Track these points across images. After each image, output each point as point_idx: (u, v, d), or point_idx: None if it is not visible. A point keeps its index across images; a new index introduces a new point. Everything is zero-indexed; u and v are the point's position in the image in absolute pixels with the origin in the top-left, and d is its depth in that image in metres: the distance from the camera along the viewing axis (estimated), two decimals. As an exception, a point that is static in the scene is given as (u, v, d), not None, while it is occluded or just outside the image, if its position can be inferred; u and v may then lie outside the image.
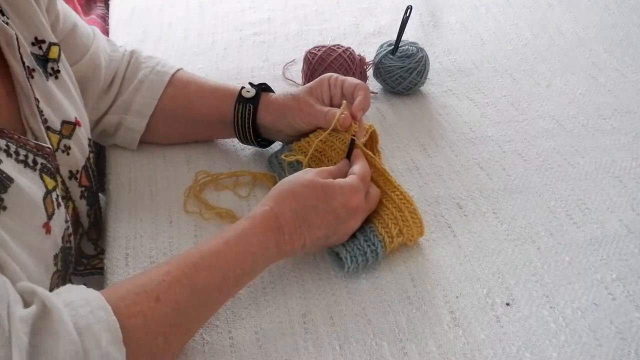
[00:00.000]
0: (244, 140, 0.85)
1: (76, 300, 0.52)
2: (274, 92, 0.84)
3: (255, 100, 0.81)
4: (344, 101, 0.77)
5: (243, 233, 0.62)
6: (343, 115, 0.75)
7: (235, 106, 0.82)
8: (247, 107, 0.81)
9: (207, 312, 0.61)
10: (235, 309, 0.67)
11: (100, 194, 0.85)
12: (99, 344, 0.50)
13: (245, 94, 0.82)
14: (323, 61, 0.96)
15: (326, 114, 0.77)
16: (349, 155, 0.73)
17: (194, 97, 0.85)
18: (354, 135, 0.74)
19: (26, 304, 0.50)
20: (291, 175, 0.68)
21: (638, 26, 1.18)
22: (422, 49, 0.97)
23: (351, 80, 0.79)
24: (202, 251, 0.60)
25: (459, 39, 1.17)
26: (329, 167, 0.72)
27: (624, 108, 0.96)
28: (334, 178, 0.68)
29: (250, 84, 0.84)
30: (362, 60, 0.98)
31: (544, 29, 1.19)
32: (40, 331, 0.48)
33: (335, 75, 0.80)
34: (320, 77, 0.81)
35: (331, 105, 0.80)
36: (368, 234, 0.69)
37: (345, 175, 0.70)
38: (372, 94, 1.01)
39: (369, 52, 1.05)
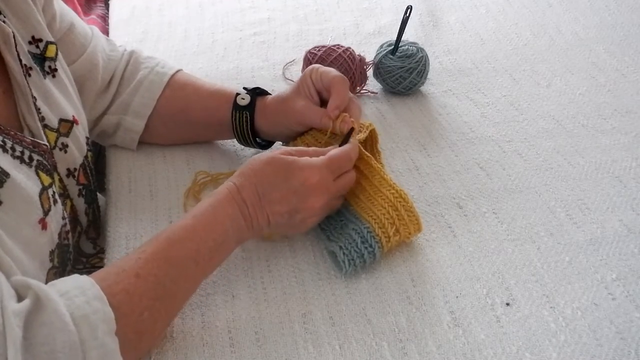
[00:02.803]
0: (245, 143, 0.85)
1: (71, 290, 0.52)
2: (269, 93, 0.83)
3: (250, 107, 0.81)
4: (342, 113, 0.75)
5: (209, 206, 0.64)
6: (343, 122, 0.74)
7: (232, 113, 0.82)
8: (244, 115, 0.81)
9: (187, 286, 0.62)
10: (235, 309, 0.67)
11: (99, 194, 0.85)
12: (95, 335, 0.50)
13: (240, 102, 0.81)
14: (323, 61, 0.96)
15: (321, 119, 0.76)
16: (343, 145, 0.72)
17: (191, 101, 0.85)
18: (353, 128, 0.73)
19: (20, 298, 0.50)
20: (258, 154, 0.69)
21: (638, 26, 1.18)
22: (422, 49, 0.97)
23: (327, 73, 0.76)
24: (173, 227, 0.62)
25: (459, 39, 1.17)
26: (305, 147, 0.72)
27: (624, 108, 0.96)
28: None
29: (245, 88, 0.83)
30: (362, 60, 0.98)
31: (544, 29, 1.19)
32: (35, 324, 0.49)
33: (315, 67, 0.78)
34: (303, 73, 0.79)
35: (321, 99, 0.78)
36: (365, 234, 0.69)
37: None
38: (372, 94, 1.01)
39: (369, 52, 1.05)
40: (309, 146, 0.76)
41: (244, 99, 0.81)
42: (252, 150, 0.88)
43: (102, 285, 0.54)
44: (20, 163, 0.62)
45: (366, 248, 0.68)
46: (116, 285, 0.55)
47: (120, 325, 0.53)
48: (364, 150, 0.73)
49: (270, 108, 0.81)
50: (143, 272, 0.58)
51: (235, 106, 0.81)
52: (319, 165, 0.67)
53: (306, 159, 0.67)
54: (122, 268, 0.58)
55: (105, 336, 0.51)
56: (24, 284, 0.51)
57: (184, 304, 0.63)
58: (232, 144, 0.90)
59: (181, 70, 0.88)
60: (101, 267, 0.75)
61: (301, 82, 0.78)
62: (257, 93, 0.82)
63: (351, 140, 0.72)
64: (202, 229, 0.63)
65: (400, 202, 0.70)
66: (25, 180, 0.61)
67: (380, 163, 0.79)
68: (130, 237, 0.76)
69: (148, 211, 0.80)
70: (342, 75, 0.77)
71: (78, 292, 0.52)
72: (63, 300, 0.51)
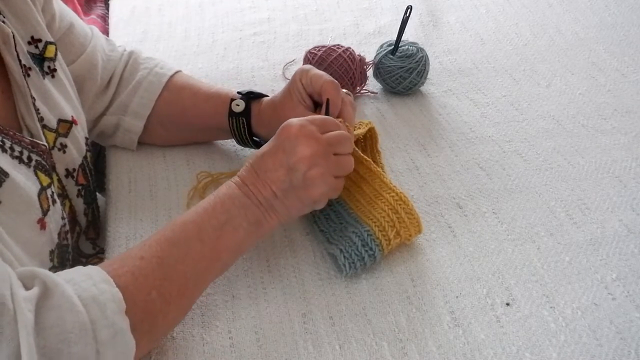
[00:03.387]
0: (243, 145, 0.85)
1: (77, 277, 0.53)
2: (264, 95, 0.83)
3: (246, 112, 0.81)
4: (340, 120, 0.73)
5: (210, 195, 0.65)
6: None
7: (229, 119, 0.82)
8: (241, 121, 0.81)
9: (197, 266, 0.61)
10: (235, 309, 0.67)
11: (99, 194, 0.85)
12: (105, 315, 0.51)
13: (235, 108, 0.81)
14: (323, 61, 0.96)
15: None
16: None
17: (188, 104, 0.85)
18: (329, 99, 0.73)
19: (27, 288, 0.50)
20: None
21: (638, 26, 1.18)
22: (422, 49, 0.97)
23: (317, 78, 0.75)
24: (176, 217, 0.63)
25: (459, 39, 1.17)
26: None
27: (624, 108, 0.96)
28: None
29: (239, 92, 0.82)
30: (362, 60, 0.98)
31: (544, 29, 1.19)
32: (44, 308, 0.49)
33: (304, 70, 0.76)
34: (293, 76, 0.77)
35: (314, 102, 0.78)
36: (365, 237, 0.68)
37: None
38: (372, 94, 1.01)
39: (369, 52, 1.05)
40: None
41: (238, 105, 0.81)
42: (252, 150, 0.88)
43: (107, 269, 0.55)
44: (19, 163, 0.62)
45: (367, 251, 0.68)
46: (121, 268, 0.56)
47: (129, 305, 0.53)
48: (362, 154, 0.73)
49: (265, 115, 0.80)
50: (147, 254, 0.58)
51: (231, 112, 0.81)
52: (297, 119, 0.66)
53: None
54: (127, 254, 0.59)
55: (115, 315, 0.52)
56: (30, 273, 0.51)
57: (202, 286, 0.63)
58: (232, 143, 0.90)
59: (180, 71, 0.88)
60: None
61: (292, 86, 0.77)
62: (251, 97, 0.82)
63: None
64: (203, 210, 0.63)
65: (400, 204, 0.69)
66: (24, 180, 0.61)
67: (381, 163, 0.79)
68: (130, 237, 0.76)
69: (148, 211, 0.80)
70: (333, 79, 0.74)
71: (84, 277, 0.53)
72: (70, 285, 0.51)
